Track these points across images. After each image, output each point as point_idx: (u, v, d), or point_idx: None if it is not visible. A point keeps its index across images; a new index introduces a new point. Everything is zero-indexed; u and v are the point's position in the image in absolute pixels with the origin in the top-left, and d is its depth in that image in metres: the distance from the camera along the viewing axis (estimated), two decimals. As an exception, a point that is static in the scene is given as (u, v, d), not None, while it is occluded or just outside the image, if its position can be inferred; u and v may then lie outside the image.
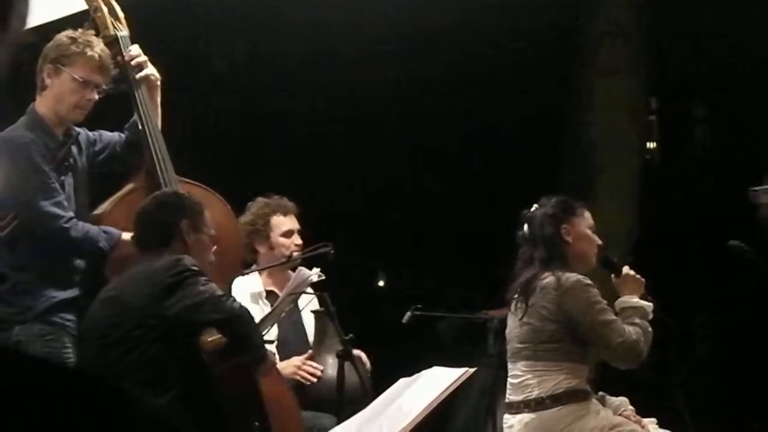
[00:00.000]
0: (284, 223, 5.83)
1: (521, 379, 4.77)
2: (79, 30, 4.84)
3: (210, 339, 4.46)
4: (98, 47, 4.78)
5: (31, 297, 4.66)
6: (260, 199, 5.89)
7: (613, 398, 4.99)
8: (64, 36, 4.77)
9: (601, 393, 4.99)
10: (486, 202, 8.95)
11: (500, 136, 9.53)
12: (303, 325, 5.79)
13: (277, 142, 9.40)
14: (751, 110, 9.17)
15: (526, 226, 4.90)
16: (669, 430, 4.96)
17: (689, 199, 9.79)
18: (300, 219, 5.91)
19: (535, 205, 4.95)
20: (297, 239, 5.83)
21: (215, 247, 4.68)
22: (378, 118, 9.53)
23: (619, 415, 4.81)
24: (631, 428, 4.69)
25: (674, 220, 9.73)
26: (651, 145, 9.92)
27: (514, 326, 4.86)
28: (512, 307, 4.89)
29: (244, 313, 4.46)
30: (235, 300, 4.52)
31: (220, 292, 4.43)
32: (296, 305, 5.44)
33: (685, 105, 10.21)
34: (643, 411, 5.04)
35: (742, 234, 6.28)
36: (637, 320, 4.76)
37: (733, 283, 8.18)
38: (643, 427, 4.82)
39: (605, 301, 4.75)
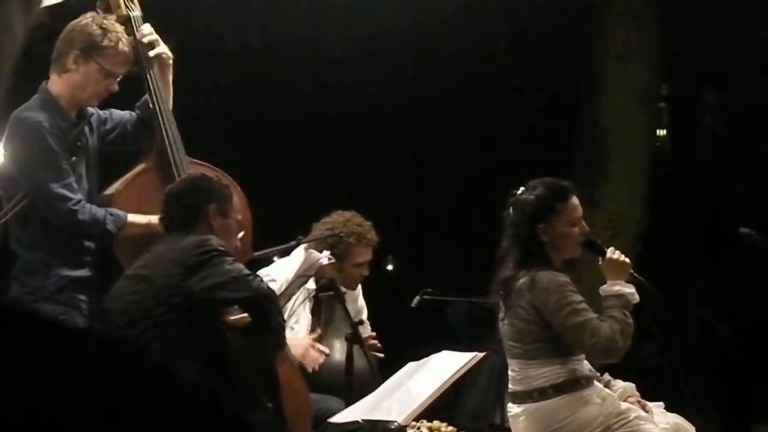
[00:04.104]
0: (362, 254, 5.72)
1: (519, 373, 4.76)
2: (98, 12, 4.82)
3: (233, 317, 4.48)
4: (125, 38, 4.79)
5: (41, 276, 4.67)
6: (349, 220, 5.72)
7: (619, 382, 4.97)
8: (92, 23, 4.75)
9: (606, 377, 4.97)
10: (497, 187, 8.94)
11: (512, 121, 9.52)
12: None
13: (286, 123, 9.40)
14: (763, 97, 9.13)
15: (511, 209, 4.86)
16: (676, 413, 4.94)
17: (699, 187, 9.76)
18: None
19: (522, 188, 4.88)
20: (366, 270, 5.75)
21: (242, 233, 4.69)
22: (388, 101, 9.51)
23: (624, 401, 4.80)
24: (636, 416, 4.67)
25: (683, 208, 9.71)
26: (661, 132, 9.89)
27: (501, 324, 4.84)
28: (498, 306, 4.87)
29: (270, 294, 4.47)
30: (262, 280, 4.53)
31: (246, 272, 4.44)
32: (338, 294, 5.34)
33: (697, 92, 10.17)
34: (650, 395, 5.03)
35: (752, 222, 6.27)
36: (617, 313, 4.66)
37: (741, 270, 8.17)
38: (648, 411, 4.80)
39: (579, 299, 4.65)
